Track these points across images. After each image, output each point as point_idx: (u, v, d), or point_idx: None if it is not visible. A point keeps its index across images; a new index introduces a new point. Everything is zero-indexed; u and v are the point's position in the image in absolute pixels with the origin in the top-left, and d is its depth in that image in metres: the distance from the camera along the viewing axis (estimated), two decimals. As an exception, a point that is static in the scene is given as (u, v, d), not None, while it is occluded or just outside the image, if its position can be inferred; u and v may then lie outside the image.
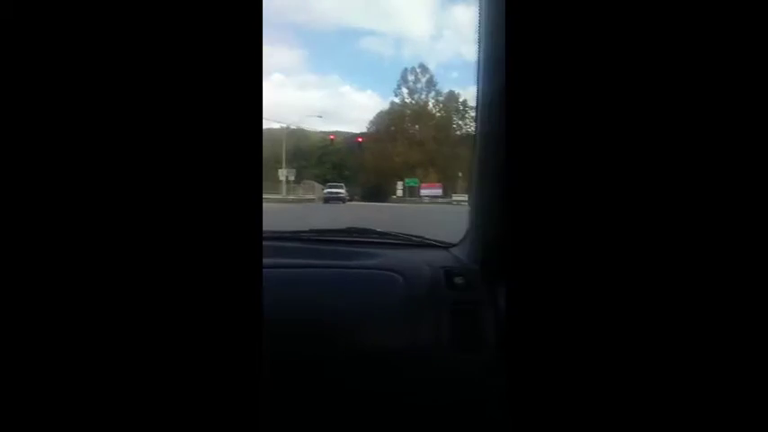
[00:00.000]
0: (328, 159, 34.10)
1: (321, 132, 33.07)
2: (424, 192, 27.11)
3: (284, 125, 26.63)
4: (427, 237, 0.84)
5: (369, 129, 34.16)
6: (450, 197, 24.87)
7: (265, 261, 0.64)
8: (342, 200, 20.05)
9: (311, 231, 0.89)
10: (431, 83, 32.79)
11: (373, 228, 0.90)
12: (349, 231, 0.88)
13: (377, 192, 28.58)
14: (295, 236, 0.86)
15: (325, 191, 22.17)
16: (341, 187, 22.05)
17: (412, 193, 27.47)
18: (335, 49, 45.49)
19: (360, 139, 25.18)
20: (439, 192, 26.74)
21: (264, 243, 0.69)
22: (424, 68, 33.17)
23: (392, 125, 32.57)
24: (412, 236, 0.86)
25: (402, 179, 28.57)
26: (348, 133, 32.56)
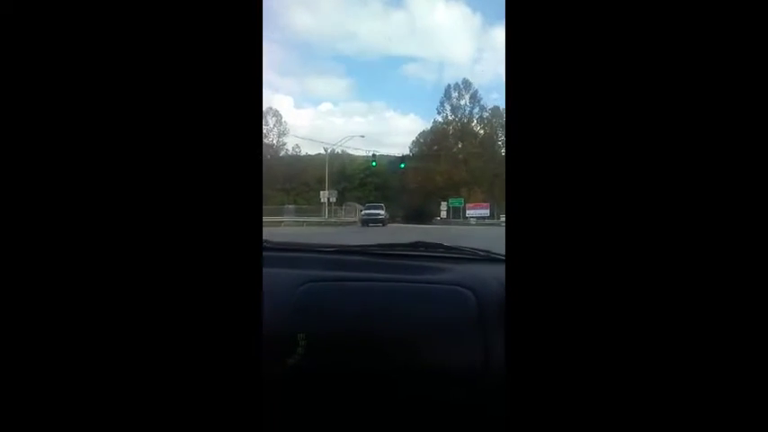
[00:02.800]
0: (371, 181, 33.85)
1: (364, 157, 33.17)
2: (470, 212, 25.53)
3: (327, 147, 26.43)
4: (493, 251, 0.84)
5: (411, 149, 33.58)
6: (498, 218, 23.37)
7: (331, 274, 0.70)
8: (381, 221, 18.77)
9: (378, 246, 0.87)
10: (474, 98, 31.83)
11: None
12: (416, 245, 0.88)
13: (420, 213, 27.66)
14: (362, 249, 0.85)
15: (363, 212, 20.66)
16: (380, 208, 20.59)
17: (456, 213, 26.14)
18: (381, 77, 46.27)
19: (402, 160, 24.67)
20: (486, 212, 25.19)
21: (329, 257, 0.81)
22: (467, 84, 32.24)
23: (435, 144, 31.76)
24: (478, 250, 0.85)
25: (446, 199, 27.26)
26: (392, 156, 32.21)
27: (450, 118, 32.06)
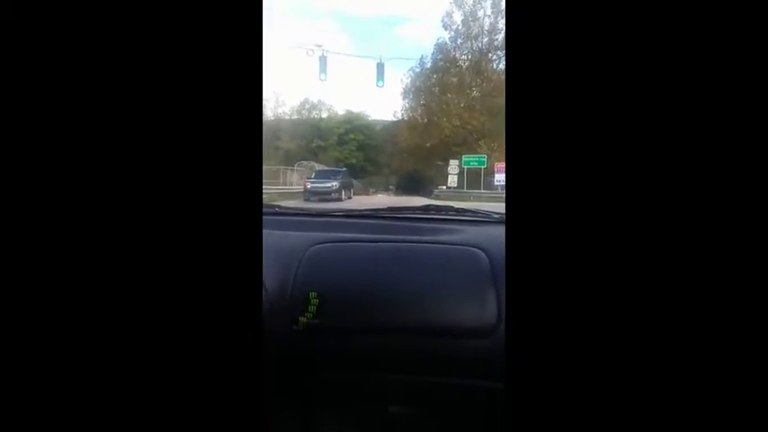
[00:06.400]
0: (352, 138, 23.88)
1: (342, 114, 24.53)
2: (499, 177, 15.05)
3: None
4: None
5: (405, 86, 22.98)
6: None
7: (340, 236, 0.73)
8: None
9: (389, 209, 0.88)
10: (497, 9, 20.59)
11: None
12: (427, 208, 0.88)
13: (416, 182, 17.70)
14: (372, 213, 0.86)
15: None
16: None
17: (475, 181, 15.80)
18: (376, 35, 39.56)
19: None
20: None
21: (339, 220, 0.83)
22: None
23: (436, 73, 20.88)
24: (492, 212, 0.84)
25: (456, 157, 16.75)
26: (386, 121, 23.72)
27: (462, 36, 20.76)
